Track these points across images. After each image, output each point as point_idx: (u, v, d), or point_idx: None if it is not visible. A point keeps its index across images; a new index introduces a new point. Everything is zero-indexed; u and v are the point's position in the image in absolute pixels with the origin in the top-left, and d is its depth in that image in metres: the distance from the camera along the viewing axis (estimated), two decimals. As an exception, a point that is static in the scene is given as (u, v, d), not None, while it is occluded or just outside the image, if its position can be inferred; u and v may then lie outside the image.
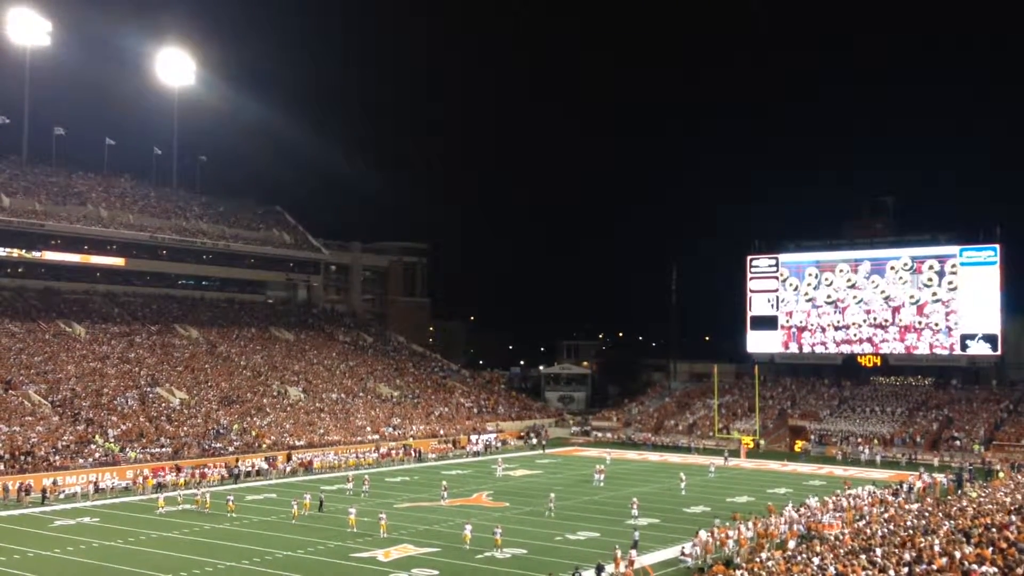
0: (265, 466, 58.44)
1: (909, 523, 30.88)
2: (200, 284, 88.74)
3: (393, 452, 66.22)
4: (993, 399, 75.24)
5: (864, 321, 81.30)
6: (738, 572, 25.87)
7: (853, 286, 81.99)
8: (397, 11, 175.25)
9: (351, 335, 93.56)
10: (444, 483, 50.07)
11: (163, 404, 64.00)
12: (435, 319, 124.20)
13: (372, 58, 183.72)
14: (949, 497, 42.94)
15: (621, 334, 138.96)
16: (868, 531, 30.32)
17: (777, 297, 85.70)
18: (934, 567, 22.61)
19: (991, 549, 23.64)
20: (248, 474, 56.70)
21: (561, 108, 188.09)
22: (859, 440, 70.39)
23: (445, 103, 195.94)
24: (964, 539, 25.52)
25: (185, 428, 61.01)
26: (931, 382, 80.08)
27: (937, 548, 24.64)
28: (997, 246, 76.05)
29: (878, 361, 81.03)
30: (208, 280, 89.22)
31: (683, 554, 34.51)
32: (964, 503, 35.92)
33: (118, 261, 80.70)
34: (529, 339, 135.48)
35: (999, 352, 76.13)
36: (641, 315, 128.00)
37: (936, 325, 78.11)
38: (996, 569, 21.74)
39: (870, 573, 23.04)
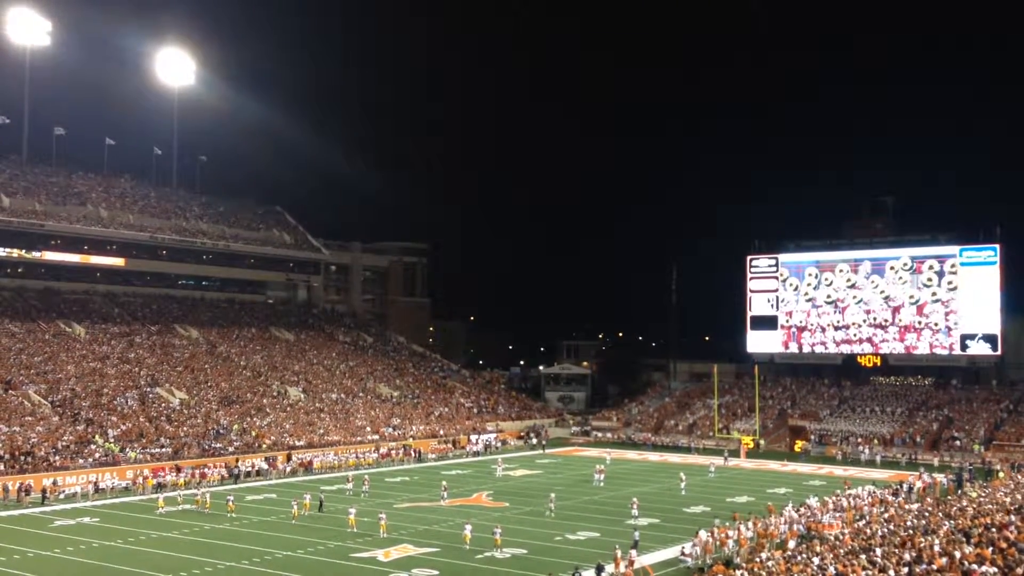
0: (265, 466, 58.44)
1: (909, 523, 30.87)
2: (200, 284, 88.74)
3: (393, 452, 66.22)
4: (993, 399, 75.24)
5: (864, 321, 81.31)
6: (738, 572, 25.86)
7: (853, 286, 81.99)
8: (397, 11, 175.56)
9: (351, 335, 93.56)
10: (444, 483, 50.08)
11: (163, 404, 64.00)
12: (435, 319, 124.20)
13: (372, 58, 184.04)
14: (949, 497, 42.93)
15: (621, 334, 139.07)
16: (868, 531, 30.31)
17: (777, 297, 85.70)
18: (934, 567, 22.61)
19: (991, 549, 23.64)
20: (248, 474, 56.70)
21: (561, 108, 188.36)
22: (859, 440, 70.39)
23: (445, 103, 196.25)
24: (964, 539, 25.52)
25: (185, 428, 61.01)
26: (931, 382, 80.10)
27: (937, 548, 24.64)
28: (997, 246, 76.06)
29: (878, 361, 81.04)
30: (208, 280, 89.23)
31: (683, 554, 34.52)
32: (964, 503, 35.91)
33: (118, 261, 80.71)
34: (529, 339, 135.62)
35: (999, 352, 76.14)
36: (641, 315, 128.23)
37: (936, 325, 78.11)
38: (996, 569, 21.74)
39: (870, 573, 23.04)
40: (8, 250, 73.98)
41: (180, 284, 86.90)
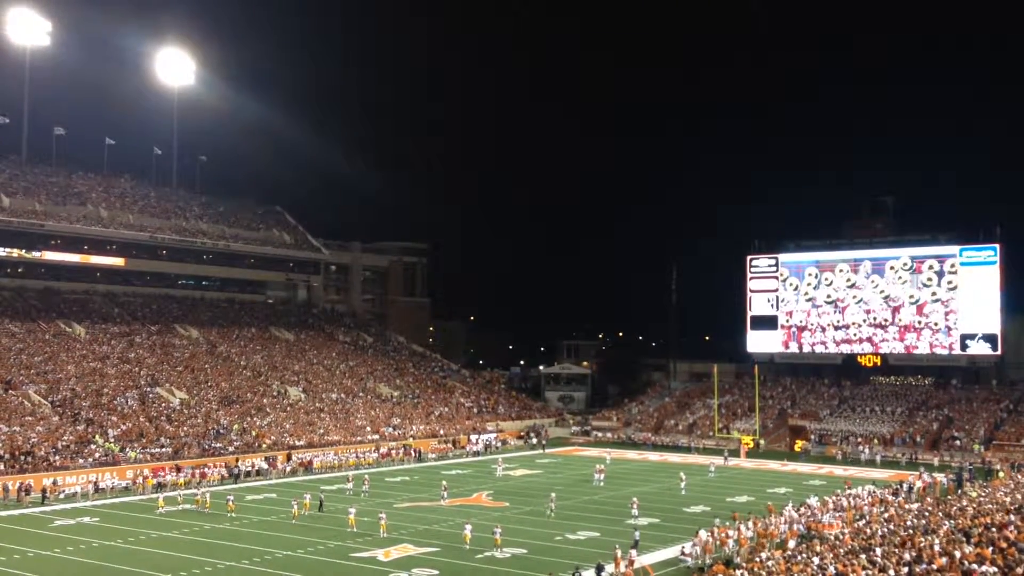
0: (265, 466, 58.45)
1: (909, 523, 30.88)
2: (200, 284, 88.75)
3: (393, 452, 66.22)
4: (993, 399, 75.25)
5: (864, 321, 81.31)
6: (738, 572, 25.86)
7: (853, 286, 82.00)
8: (397, 11, 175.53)
9: (351, 335, 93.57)
10: (444, 483, 50.08)
11: (163, 404, 64.00)
12: (435, 319, 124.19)
13: (372, 58, 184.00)
14: (949, 497, 42.95)
15: (621, 334, 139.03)
16: (868, 531, 30.32)
17: (777, 297, 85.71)
18: (934, 567, 22.62)
19: (991, 549, 23.65)
20: (248, 474, 56.71)
21: (561, 108, 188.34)
22: (859, 440, 70.39)
23: (445, 103, 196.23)
24: (964, 539, 25.53)
25: (185, 428, 61.01)
26: (931, 382, 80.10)
27: (937, 548, 24.65)
28: (997, 246, 76.08)
29: (878, 361, 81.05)
30: (208, 280, 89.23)
31: (683, 554, 34.52)
32: (964, 503, 35.92)
33: (118, 261, 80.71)
34: (529, 339, 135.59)
35: (999, 352, 76.15)
36: (641, 315, 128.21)
37: (936, 325, 78.12)
38: (996, 569, 21.75)
39: (870, 573, 23.04)
40: (8, 250, 73.98)
41: (180, 284, 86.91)
